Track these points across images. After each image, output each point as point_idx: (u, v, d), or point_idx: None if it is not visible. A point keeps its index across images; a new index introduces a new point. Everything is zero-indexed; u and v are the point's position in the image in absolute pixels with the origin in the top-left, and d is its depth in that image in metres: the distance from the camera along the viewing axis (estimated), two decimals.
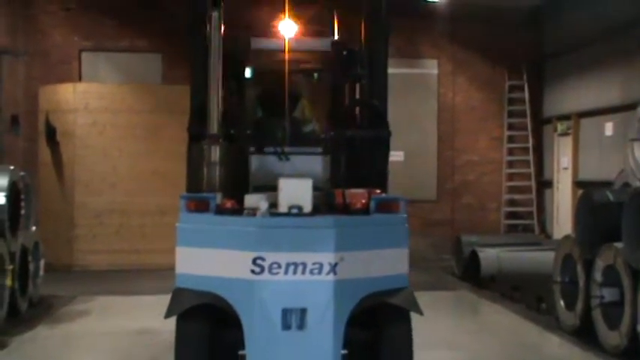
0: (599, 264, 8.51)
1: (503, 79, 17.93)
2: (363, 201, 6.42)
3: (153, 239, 14.19)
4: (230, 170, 6.98)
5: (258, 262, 5.68)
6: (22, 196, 10.01)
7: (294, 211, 5.93)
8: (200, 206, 6.07)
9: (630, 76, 14.16)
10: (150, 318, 10.31)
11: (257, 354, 5.64)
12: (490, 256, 12.88)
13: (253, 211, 6.13)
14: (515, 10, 17.52)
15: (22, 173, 10.22)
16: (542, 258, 11.86)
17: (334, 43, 8.38)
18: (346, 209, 6.45)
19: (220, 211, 6.07)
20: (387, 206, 6.52)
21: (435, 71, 17.89)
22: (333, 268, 5.74)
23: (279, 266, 5.69)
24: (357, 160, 7.49)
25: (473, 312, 11.40)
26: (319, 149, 7.74)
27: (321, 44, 8.43)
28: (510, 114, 17.99)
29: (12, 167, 10.04)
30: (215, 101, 6.63)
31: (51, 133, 15.01)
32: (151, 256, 14.04)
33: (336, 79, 8.12)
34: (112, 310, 10.88)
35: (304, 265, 5.71)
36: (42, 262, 11.03)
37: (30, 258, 10.33)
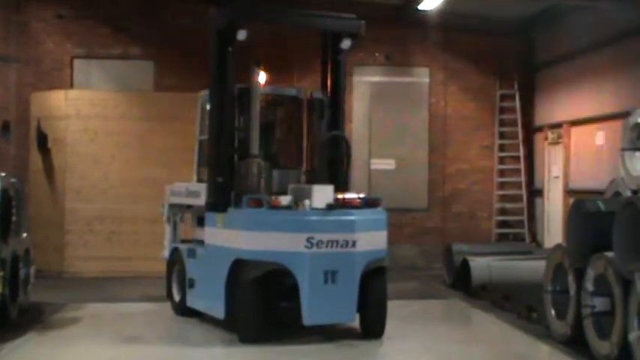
0: (590, 273, 8.53)
1: (495, 88, 17.99)
2: (358, 200, 9.45)
3: (144, 246, 14.14)
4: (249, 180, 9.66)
5: (310, 240, 8.79)
6: (13, 203, 9.98)
7: (325, 207, 8.98)
8: (258, 204, 8.99)
9: (621, 86, 14.22)
10: (140, 325, 10.30)
11: (308, 299, 8.76)
12: (481, 265, 12.89)
13: (296, 206, 9.07)
14: (507, 20, 17.59)
15: (13, 180, 10.20)
16: (533, 267, 11.88)
17: (305, 91, 10.85)
18: (345, 205, 9.21)
19: (273, 206, 8.95)
20: (372, 203, 9.60)
21: (427, 80, 17.93)
22: (354, 243, 8.95)
23: (322, 242, 8.82)
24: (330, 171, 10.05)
25: (464, 321, 11.41)
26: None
27: (295, 91, 11.01)
28: (501, 123, 18.04)
29: (3, 174, 10.03)
30: (256, 131, 9.67)
31: (42, 139, 14.99)
32: (142, 264, 14.00)
33: (305, 116, 10.61)
34: (103, 317, 10.85)
35: (337, 241, 8.88)
36: (33, 269, 11.00)
37: (21, 265, 10.30)
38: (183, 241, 11.34)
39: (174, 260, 11.05)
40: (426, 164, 17.79)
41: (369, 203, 9.47)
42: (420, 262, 17.26)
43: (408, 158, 17.75)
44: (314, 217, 8.93)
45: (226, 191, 9.63)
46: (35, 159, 15.27)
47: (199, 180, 10.65)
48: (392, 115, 17.81)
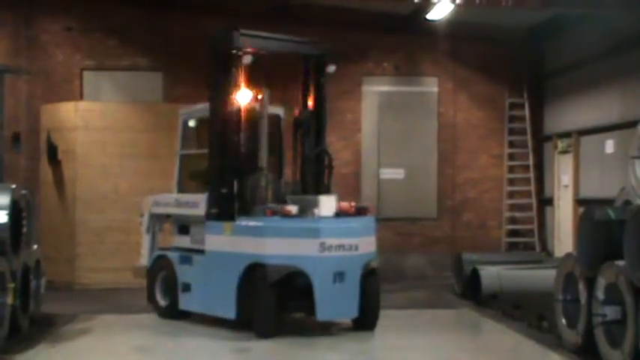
0: (601, 282, 8.50)
1: (504, 97, 17.98)
2: (352, 208, 10.43)
3: None
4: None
5: (322, 245, 9.72)
6: (24, 215, 10.02)
7: (332, 215, 10.17)
8: (274, 213, 9.93)
9: (630, 94, 14.21)
10: (151, 336, 10.32)
11: (321, 297, 9.68)
12: (491, 274, 12.85)
13: (306, 215, 10.07)
14: (516, 29, 17.60)
15: (23, 191, 10.24)
16: (544, 276, 11.84)
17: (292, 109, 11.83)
18: (340, 214, 10.29)
19: (285, 215, 9.92)
20: (364, 211, 10.53)
21: (436, 89, 17.94)
22: (357, 247, 9.99)
23: (332, 247, 9.77)
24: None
25: (474, 330, 11.38)
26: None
27: (283, 110, 12.03)
28: (511, 132, 18.02)
29: (14, 185, 10.06)
30: (264, 146, 10.61)
31: (52, 151, 15.05)
32: None
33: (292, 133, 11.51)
34: (113, 328, 10.86)
35: (344, 246, 9.86)
36: (43, 280, 11.02)
37: (31, 276, 10.33)
38: (162, 249, 11.85)
39: (158, 267, 11.61)
40: (436, 173, 17.79)
41: (361, 211, 10.49)
42: (429, 272, 17.24)
43: (418, 167, 17.75)
44: (325, 225, 9.97)
45: (230, 202, 10.43)
46: (45, 170, 15.33)
47: (180, 191, 11.52)
48: (401, 125, 17.82)
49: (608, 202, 11.72)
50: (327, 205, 10.22)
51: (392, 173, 17.73)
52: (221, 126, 10.56)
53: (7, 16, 16.68)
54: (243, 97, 10.70)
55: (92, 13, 16.91)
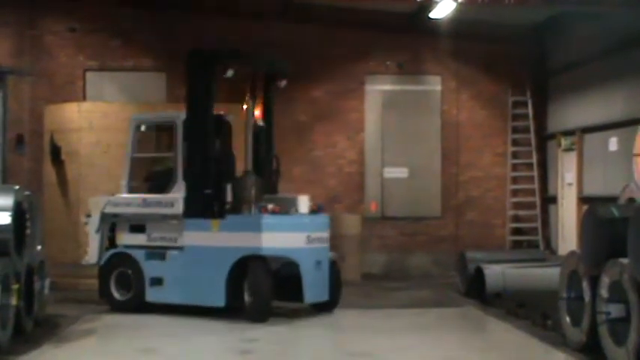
0: (605, 280, 8.48)
1: (507, 95, 17.96)
2: (315, 206, 11.86)
3: None
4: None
5: (308, 237, 11.29)
6: (27, 216, 10.02)
7: (308, 212, 11.70)
8: (266, 210, 11.16)
9: (634, 92, 14.18)
10: (155, 337, 10.33)
11: (307, 282, 11.09)
12: (495, 273, 12.84)
13: (289, 212, 11.48)
14: (519, 27, 17.58)
15: (27, 193, 10.24)
16: (548, 274, 11.85)
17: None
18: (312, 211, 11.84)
19: (274, 212, 11.17)
20: (323, 210, 12.03)
21: (439, 88, 17.94)
22: (326, 239, 11.73)
23: (314, 239, 11.36)
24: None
25: (478, 329, 11.37)
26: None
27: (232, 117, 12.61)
28: (514, 130, 18.01)
29: (17, 187, 10.06)
30: (250, 153, 11.90)
31: (56, 152, 15.05)
32: None
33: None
34: (117, 329, 10.87)
35: (320, 238, 11.53)
36: (47, 282, 11.02)
37: (35, 277, 10.33)
38: (110, 247, 12.43)
39: (113, 264, 12.19)
40: (439, 172, 17.79)
41: (320, 210, 11.98)
42: (433, 270, 17.24)
43: (421, 166, 17.75)
44: (308, 220, 11.55)
45: (214, 201, 11.41)
46: (49, 171, 15.34)
47: (130, 192, 12.29)
48: (404, 124, 17.82)
49: (611, 200, 11.71)
50: (304, 204, 11.69)
51: (396, 172, 17.73)
52: (203, 133, 11.54)
53: (10, 16, 16.73)
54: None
55: (95, 14, 16.96)
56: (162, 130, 13.06)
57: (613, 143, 14.75)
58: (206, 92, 11.57)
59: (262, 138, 12.34)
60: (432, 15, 15.75)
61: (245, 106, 11.98)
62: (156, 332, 10.70)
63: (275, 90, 12.58)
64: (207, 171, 11.48)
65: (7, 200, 9.44)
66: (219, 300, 11.13)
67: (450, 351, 9.50)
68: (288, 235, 11.17)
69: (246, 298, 11.03)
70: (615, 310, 8.30)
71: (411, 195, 17.72)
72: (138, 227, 12.15)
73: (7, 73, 15.17)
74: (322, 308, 11.72)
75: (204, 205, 11.41)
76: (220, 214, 11.39)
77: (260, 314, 10.95)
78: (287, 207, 11.53)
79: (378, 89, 17.79)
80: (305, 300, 11.21)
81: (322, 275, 11.44)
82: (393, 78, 17.90)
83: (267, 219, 11.08)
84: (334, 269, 11.87)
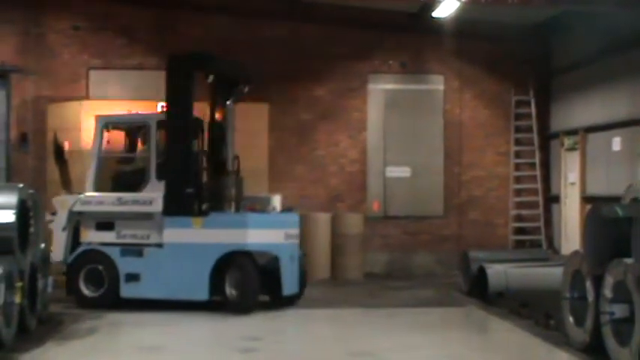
0: (609, 280, 8.48)
1: (510, 95, 17.96)
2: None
3: None
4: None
5: (286, 234, 12.09)
6: (31, 214, 10.03)
7: (279, 209, 12.70)
8: (252, 208, 12.21)
9: (638, 91, 14.17)
10: (158, 335, 10.34)
11: (285, 276, 11.89)
12: (498, 272, 12.83)
13: (267, 209, 12.43)
14: (522, 26, 17.57)
15: (30, 191, 10.25)
16: (551, 274, 11.84)
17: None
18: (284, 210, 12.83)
19: (254, 210, 12.19)
20: (293, 209, 13.02)
21: (442, 87, 17.93)
22: (298, 236, 12.54)
23: (290, 235, 12.20)
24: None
25: (481, 328, 11.37)
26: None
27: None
28: (517, 129, 18.00)
29: (21, 185, 10.08)
30: (232, 152, 12.60)
31: (59, 151, 15.05)
32: None
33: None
34: (121, 326, 10.88)
35: (294, 235, 12.41)
36: (50, 280, 11.05)
37: (39, 275, 10.35)
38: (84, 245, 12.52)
39: (82, 262, 12.31)
40: (442, 171, 17.78)
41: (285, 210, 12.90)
42: (436, 270, 17.24)
43: (424, 166, 17.74)
44: (285, 218, 12.38)
45: (194, 200, 11.84)
46: (52, 170, 15.34)
47: (96, 190, 12.46)
48: (407, 123, 17.82)
49: (615, 200, 11.68)
50: (277, 203, 12.57)
51: (398, 171, 17.73)
52: (184, 136, 11.96)
53: (14, 14, 16.74)
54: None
55: (99, 13, 16.97)
56: (132, 131, 13.18)
57: (616, 143, 14.75)
58: (185, 95, 11.95)
59: (222, 139, 12.73)
60: (435, 14, 15.75)
61: (228, 105, 12.66)
62: (159, 330, 10.72)
63: (238, 94, 12.91)
64: (187, 170, 11.89)
65: (11, 198, 9.45)
66: (202, 294, 11.66)
67: (453, 350, 9.50)
68: (270, 231, 11.94)
69: (229, 291, 11.62)
70: (619, 310, 8.30)
71: (413, 194, 17.72)
72: (105, 225, 12.34)
73: (10, 71, 15.23)
74: (290, 301, 12.27)
75: (185, 203, 11.80)
76: (202, 212, 11.85)
77: (248, 307, 11.53)
78: (263, 206, 12.38)
79: (381, 88, 17.79)
80: (283, 293, 11.91)
81: (295, 269, 12.24)
82: (396, 77, 17.90)
83: (252, 217, 11.95)
84: (302, 264, 12.61)
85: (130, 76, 16.88)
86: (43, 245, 10.86)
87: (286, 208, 12.79)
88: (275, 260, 11.73)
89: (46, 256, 10.97)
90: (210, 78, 12.19)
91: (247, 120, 15.41)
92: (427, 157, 17.78)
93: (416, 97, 17.87)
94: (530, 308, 11.42)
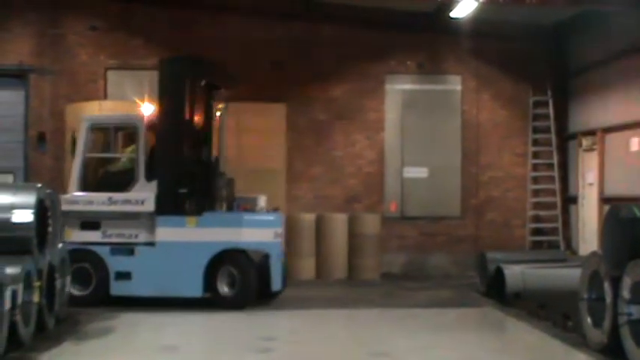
0: (627, 281, 8.43)
1: (528, 95, 17.89)
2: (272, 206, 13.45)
3: None
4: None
5: (275, 232, 12.56)
6: (49, 214, 10.09)
7: (266, 209, 13.18)
8: (245, 208, 12.81)
9: None
10: (175, 335, 10.37)
11: (275, 273, 12.38)
12: (515, 273, 12.77)
13: (256, 209, 12.94)
14: (540, 26, 17.52)
15: (48, 191, 10.31)
16: (568, 275, 11.75)
17: None
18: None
19: (247, 210, 12.75)
20: (278, 209, 13.41)
21: (459, 87, 17.89)
22: (282, 234, 13.14)
23: (278, 234, 12.69)
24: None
25: (498, 329, 11.33)
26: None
27: None
28: (535, 130, 17.93)
29: (39, 185, 10.14)
30: (224, 155, 13.28)
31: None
32: None
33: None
34: (137, 326, 10.92)
35: (281, 234, 12.91)
36: (68, 279, 11.11)
37: (57, 275, 10.40)
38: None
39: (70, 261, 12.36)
40: (459, 172, 17.74)
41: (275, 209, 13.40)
42: (453, 271, 17.19)
43: (441, 166, 17.70)
44: (274, 217, 12.79)
45: (187, 200, 12.22)
46: (70, 170, 15.39)
47: (81, 190, 12.59)
48: (424, 123, 17.79)
49: (633, 200, 11.63)
50: (263, 203, 13.08)
51: (415, 172, 17.70)
52: (177, 136, 12.23)
53: (32, 15, 16.86)
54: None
55: (116, 13, 17.06)
56: (119, 131, 13.36)
57: (634, 143, 14.66)
58: (177, 97, 12.26)
59: (209, 140, 13.12)
60: (453, 14, 15.70)
61: (221, 107, 13.22)
62: (175, 329, 10.75)
63: (220, 97, 13.40)
64: (180, 170, 12.20)
65: (30, 198, 9.52)
66: (196, 291, 12.05)
67: (470, 351, 9.47)
68: (262, 230, 12.44)
69: (222, 288, 12.07)
70: (637, 312, 8.26)
71: (430, 195, 17.68)
72: (90, 224, 12.51)
73: (29, 71, 15.34)
74: (272, 296, 12.69)
75: (179, 202, 12.16)
76: (196, 211, 12.22)
77: (244, 302, 12.01)
78: (252, 206, 12.90)
79: (398, 89, 17.77)
80: (273, 288, 12.41)
81: (281, 266, 12.76)
82: (413, 77, 17.87)
83: (247, 216, 12.51)
84: (285, 261, 13.28)
85: (147, 76, 16.89)
86: (60, 245, 10.91)
87: (273, 208, 13.18)
88: (266, 258, 12.22)
89: (64, 255, 11.02)
90: (202, 82, 12.58)
91: (265, 120, 15.47)
92: (444, 157, 17.74)
93: (433, 98, 17.84)
94: (547, 309, 11.36)
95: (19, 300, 8.68)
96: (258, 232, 12.34)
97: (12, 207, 9.39)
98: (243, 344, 9.72)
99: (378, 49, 17.52)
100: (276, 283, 12.47)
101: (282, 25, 17.22)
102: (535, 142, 17.93)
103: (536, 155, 17.92)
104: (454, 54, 17.73)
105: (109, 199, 12.40)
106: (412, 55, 17.69)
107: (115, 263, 12.32)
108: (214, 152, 13.27)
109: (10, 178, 16.02)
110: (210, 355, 9.29)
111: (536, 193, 17.88)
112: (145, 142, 12.50)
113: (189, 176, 12.34)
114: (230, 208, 12.82)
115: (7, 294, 8.35)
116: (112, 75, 17.00)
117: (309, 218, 16.17)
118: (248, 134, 15.34)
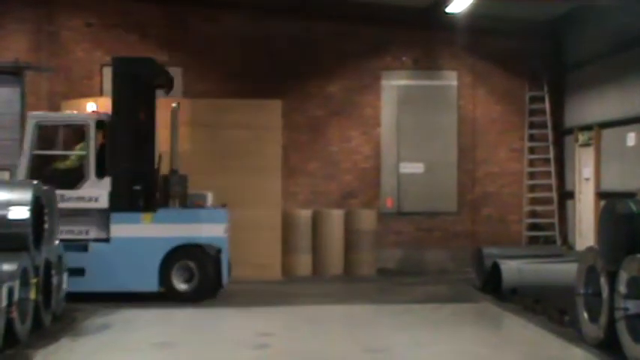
0: (623, 276, 8.45)
1: (524, 91, 17.89)
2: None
3: None
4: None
5: (225, 228, 12.94)
6: (46, 210, 10.09)
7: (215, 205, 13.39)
8: (200, 204, 13.01)
9: None
10: (171, 331, 10.37)
11: (224, 267, 12.71)
12: (512, 268, 12.80)
13: (206, 206, 13.17)
14: (535, 21, 17.51)
15: (45, 187, 10.31)
16: (565, 270, 11.79)
17: None
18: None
19: (200, 206, 12.98)
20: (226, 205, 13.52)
21: (455, 83, 17.88)
22: (229, 230, 13.13)
23: (226, 230, 12.99)
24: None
25: (495, 325, 11.34)
26: None
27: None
28: (531, 125, 17.94)
29: (35, 182, 10.13)
30: (177, 151, 13.23)
31: None
32: None
33: None
34: (134, 323, 10.92)
35: (227, 229, 13.03)
36: (65, 276, 11.10)
37: (53, 271, 10.40)
38: None
39: None
40: (455, 167, 17.74)
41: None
42: (449, 266, 17.20)
43: (437, 162, 17.71)
44: (224, 213, 13.06)
45: (141, 196, 12.52)
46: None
47: None
48: (420, 119, 17.79)
49: (629, 196, 11.67)
50: (210, 199, 13.29)
51: (412, 167, 17.70)
52: (130, 134, 12.52)
53: (27, 12, 16.82)
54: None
55: (112, 9, 17.03)
56: (68, 129, 13.63)
57: (631, 138, 14.67)
58: (130, 96, 12.59)
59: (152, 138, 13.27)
60: (449, 9, 15.69)
61: (174, 105, 13.35)
62: (172, 326, 10.75)
63: (156, 97, 13.50)
64: (134, 168, 12.49)
65: (26, 195, 9.52)
66: (152, 285, 12.37)
67: (466, 346, 9.48)
68: (215, 226, 12.79)
69: (176, 283, 12.40)
70: (633, 306, 8.28)
71: (426, 190, 17.69)
72: None
73: (25, 68, 15.29)
74: (219, 290, 12.95)
75: (134, 199, 12.45)
76: (150, 207, 12.54)
77: (205, 295, 12.41)
78: (202, 202, 13.11)
79: (394, 84, 17.77)
80: (223, 283, 12.73)
81: (227, 261, 12.96)
82: (409, 73, 17.86)
83: (202, 212, 12.86)
84: (229, 256, 13.33)
85: None
86: (57, 242, 10.91)
87: (221, 205, 13.36)
88: (219, 252, 12.61)
89: (60, 252, 11.01)
90: (152, 82, 13.01)
91: (261, 116, 15.45)
92: (441, 153, 17.74)
93: (429, 93, 17.84)
94: (544, 304, 11.38)
95: (16, 297, 8.69)
96: (212, 228, 12.72)
97: (8, 204, 9.39)
98: (240, 340, 9.72)
99: (373, 45, 17.51)
100: (224, 278, 12.78)
101: (279, 21, 17.20)
102: (531, 138, 17.94)
103: (532, 150, 17.93)
104: (450, 49, 17.72)
105: (62, 196, 12.10)
106: (408, 50, 17.67)
107: (68, 259, 12.08)
108: (158, 150, 13.41)
109: (6, 175, 15.98)
110: (207, 351, 9.29)
111: (532, 188, 17.90)
112: (95, 140, 12.63)
113: (142, 173, 12.62)
114: (184, 205, 12.97)
115: (4, 291, 8.36)
116: (108, 71, 16.83)
117: (305, 214, 16.17)
118: (243, 130, 15.32)
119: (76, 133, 13.40)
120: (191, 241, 12.47)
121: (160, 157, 13.21)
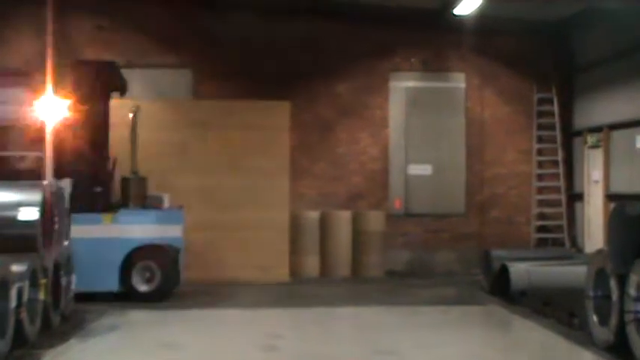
0: (633, 278, 8.42)
1: (532, 92, 17.86)
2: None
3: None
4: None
5: (182, 229, 13.25)
6: (55, 211, 10.10)
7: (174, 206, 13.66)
8: (159, 206, 13.26)
9: None
10: (179, 333, 10.38)
11: (182, 267, 13.03)
12: (520, 271, 12.76)
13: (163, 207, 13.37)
14: (544, 23, 17.47)
15: (54, 189, 10.32)
16: (574, 272, 11.75)
17: None
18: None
19: (159, 208, 13.23)
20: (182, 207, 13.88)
21: (463, 85, 17.86)
22: (183, 230, 13.42)
23: (183, 231, 13.25)
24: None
25: (503, 327, 11.33)
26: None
27: None
28: (539, 127, 17.90)
29: (45, 182, 10.14)
30: (136, 154, 13.63)
31: None
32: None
33: None
34: (142, 324, 10.95)
35: (183, 230, 13.28)
36: (74, 277, 11.11)
37: (62, 272, 10.41)
38: None
39: None
40: (464, 169, 17.72)
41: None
42: (457, 268, 17.18)
43: (445, 163, 17.69)
44: (181, 215, 13.39)
45: (102, 198, 12.81)
46: None
47: None
48: (428, 121, 17.77)
49: (639, 198, 11.62)
50: (167, 201, 13.45)
51: (420, 169, 17.69)
52: (90, 136, 12.85)
53: (37, 14, 16.80)
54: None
55: (121, 11, 17.03)
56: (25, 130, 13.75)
57: None
58: (90, 99, 12.87)
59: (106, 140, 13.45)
60: (457, 11, 15.68)
61: (133, 110, 13.66)
62: (180, 327, 10.76)
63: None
64: (94, 169, 12.79)
65: (35, 196, 9.54)
66: (112, 285, 12.52)
67: (475, 349, 9.47)
68: (174, 227, 13.13)
69: (137, 283, 12.56)
70: None
71: (435, 192, 17.67)
72: None
73: (35, 70, 15.31)
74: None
75: (94, 200, 12.70)
76: (110, 208, 12.80)
77: (164, 296, 12.58)
78: (160, 203, 13.29)
79: (402, 86, 17.75)
80: (181, 281, 13.04)
81: (183, 262, 13.28)
82: (417, 75, 17.85)
83: (161, 213, 13.10)
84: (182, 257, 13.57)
85: (152, 74, 16.95)
86: (66, 242, 10.93)
87: (178, 206, 13.55)
88: (177, 252, 12.89)
89: (69, 253, 11.03)
90: (111, 85, 13.28)
91: (269, 117, 15.46)
92: (449, 154, 17.72)
93: (437, 95, 17.82)
94: (553, 307, 11.35)
95: (25, 297, 8.69)
96: (171, 229, 13.02)
97: (18, 205, 9.41)
98: (249, 341, 9.72)
99: (382, 47, 17.50)
100: (182, 278, 13.07)
101: (288, 22, 17.21)
102: (540, 139, 17.91)
103: (540, 152, 17.90)
104: (458, 51, 17.70)
105: None
106: (416, 52, 17.66)
107: None
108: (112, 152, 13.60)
109: None
110: (216, 353, 9.30)
111: (540, 190, 17.85)
112: (53, 142, 12.86)
113: (102, 175, 12.90)
114: (143, 206, 13.18)
115: (13, 291, 8.37)
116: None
117: (313, 216, 16.17)
118: (252, 131, 15.33)
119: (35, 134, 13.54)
120: (151, 242, 12.66)
121: (114, 159, 13.37)
